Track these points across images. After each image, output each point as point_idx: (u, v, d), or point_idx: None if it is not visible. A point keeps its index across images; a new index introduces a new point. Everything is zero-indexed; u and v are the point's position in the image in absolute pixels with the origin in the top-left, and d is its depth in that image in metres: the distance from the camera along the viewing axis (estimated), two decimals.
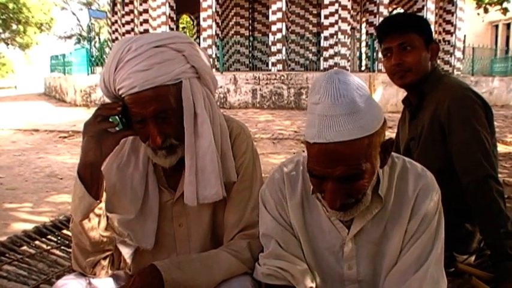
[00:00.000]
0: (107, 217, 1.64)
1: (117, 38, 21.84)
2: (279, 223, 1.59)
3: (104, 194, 1.61)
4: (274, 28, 17.39)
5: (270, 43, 17.63)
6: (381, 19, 2.50)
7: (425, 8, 18.90)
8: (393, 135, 2.77)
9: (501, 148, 8.76)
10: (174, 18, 20.09)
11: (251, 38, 21.50)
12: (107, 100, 1.62)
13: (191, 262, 1.57)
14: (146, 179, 1.69)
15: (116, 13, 22.61)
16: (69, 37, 50.06)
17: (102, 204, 1.60)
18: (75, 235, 1.63)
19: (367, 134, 1.30)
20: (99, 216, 1.60)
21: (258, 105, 16.34)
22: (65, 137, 11.14)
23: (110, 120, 1.52)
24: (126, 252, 1.71)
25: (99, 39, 26.51)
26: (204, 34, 18.37)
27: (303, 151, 1.83)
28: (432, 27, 18.26)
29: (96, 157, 1.52)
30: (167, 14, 19.04)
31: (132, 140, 1.69)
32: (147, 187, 1.69)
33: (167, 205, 1.72)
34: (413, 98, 2.48)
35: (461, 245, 2.37)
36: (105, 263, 1.69)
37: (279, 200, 1.60)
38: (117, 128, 1.55)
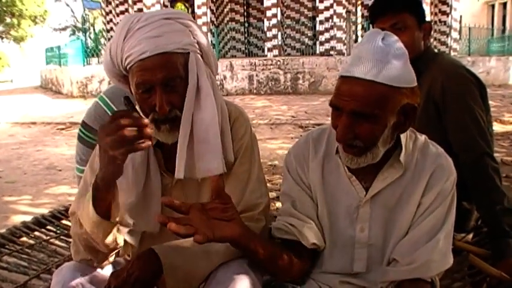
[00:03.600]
0: None
1: (111, 28, 21.76)
2: (297, 184, 1.70)
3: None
4: (269, 13, 17.34)
5: (265, 29, 17.59)
6: None
7: None
8: None
9: (499, 127, 8.76)
10: (169, 6, 19.98)
11: (246, 24, 21.43)
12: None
13: (189, 246, 1.57)
14: (147, 162, 1.69)
15: (110, 3, 22.49)
16: (64, 29, 49.85)
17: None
18: (87, 241, 1.59)
19: (386, 83, 1.40)
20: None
21: (254, 91, 16.30)
22: (63, 129, 11.12)
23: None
24: (132, 240, 1.71)
25: (94, 30, 26.35)
26: (199, 21, 18.26)
27: (301, 135, 1.86)
28: (428, 8, 18.23)
29: (118, 172, 1.47)
30: (161, 2, 18.97)
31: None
32: (148, 170, 1.69)
33: (167, 189, 1.72)
34: None
35: (459, 223, 2.37)
36: (112, 255, 1.68)
37: (300, 163, 1.71)
38: None
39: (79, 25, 37.79)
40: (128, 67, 1.56)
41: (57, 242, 2.67)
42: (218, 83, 16.35)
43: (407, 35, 2.32)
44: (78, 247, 1.66)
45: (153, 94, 1.53)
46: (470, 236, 2.46)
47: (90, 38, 22.12)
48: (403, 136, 1.58)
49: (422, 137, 1.66)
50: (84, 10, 25.42)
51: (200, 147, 1.61)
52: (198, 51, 1.63)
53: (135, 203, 1.66)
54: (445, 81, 2.28)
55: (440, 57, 2.44)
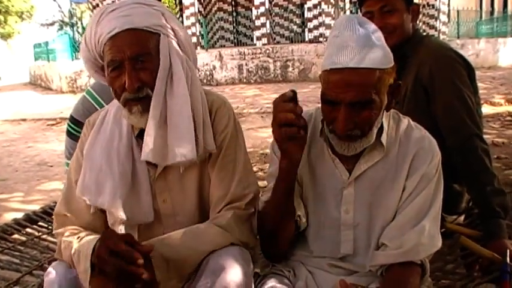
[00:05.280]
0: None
1: None
2: None
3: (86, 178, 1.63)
4: (257, 2, 17.25)
5: (253, 17, 17.52)
6: None
7: None
8: None
9: (489, 109, 8.80)
10: None
11: (234, 14, 21.35)
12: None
13: (177, 237, 1.57)
14: (132, 153, 1.68)
15: None
16: (52, 24, 49.25)
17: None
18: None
19: (379, 67, 1.44)
20: None
21: (244, 80, 16.27)
22: (53, 125, 11.09)
23: None
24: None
25: (82, 24, 26.17)
26: (187, 12, 18.18)
27: None
28: None
29: None
30: None
31: (115, 112, 1.70)
32: (133, 161, 1.68)
33: (150, 182, 1.71)
34: (396, 61, 2.47)
35: (450, 205, 2.38)
36: None
37: None
38: None
39: (66, 20, 37.51)
40: (101, 49, 1.58)
41: (49, 238, 2.66)
42: (208, 73, 16.36)
43: (396, 17, 2.31)
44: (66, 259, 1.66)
45: (122, 72, 1.54)
46: (462, 217, 2.47)
47: (78, 32, 21.95)
48: (385, 118, 1.59)
49: (405, 120, 1.67)
50: (71, 4, 25.23)
51: (173, 132, 1.60)
52: (173, 36, 1.64)
53: (125, 197, 1.65)
54: (433, 63, 2.27)
55: (427, 40, 2.43)
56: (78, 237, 1.62)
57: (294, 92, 1.49)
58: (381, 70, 1.45)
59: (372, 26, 1.50)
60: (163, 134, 1.60)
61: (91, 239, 1.56)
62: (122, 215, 1.65)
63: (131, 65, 1.54)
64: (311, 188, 1.68)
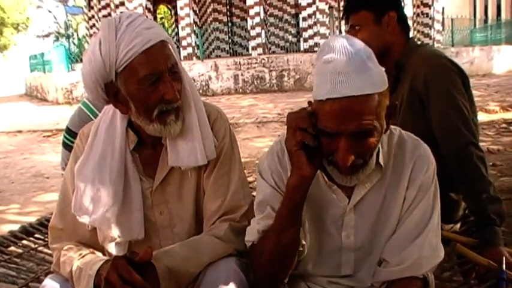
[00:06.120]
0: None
1: (95, 33, 21.64)
2: (275, 189, 1.57)
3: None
4: (252, 12, 17.33)
5: (249, 27, 17.60)
6: None
7: None
8: None
9: (484, 116, 8.83)
10: (151, 9, 19.93)
11: (230, 24, 21.42)
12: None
13: (178, 248, 1.57)
14: (126, 169, 1.67)
15: (92, 8, 22.37)
16: (47, 35, 49.37)
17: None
18: None
19: (377, 91, 1.32)
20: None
21: (240, 90, 16.32)
22: (49, 136, 11.06)
23: None
24: (120, 251, 1.68)
25: (78, 35, 26.24)
26: (182, 23, 18.25)
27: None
28: (410, 0, 18.24)
29: None
30: (144, 5, 18.86)
31: (106, 129, 1.68)
32: (127, 177, 1.67)
33: (146, 194, 1.71)
34: (390, 71, 2.48)
35: (447, 214, 2.37)
36: None
37: (276, 169, 1.59)
38: None
39: (62, 31, 37.55)
40: (125, 65, 1.49)
41: (45, 250, 2.63)
42: (204, 83, 16.41)
43: (361, 33, 2.31)
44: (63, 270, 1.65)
45: (160, 84, 1.51)
46: (458, 225, 2.47)
47: (73, 43, 21.99)
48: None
49: (396, 131, 1.59)
50: (67, 16, 25.27)
51: (198, 134, 1.64)
52: None
53: (116, 215, 1.64)
54: (428, 72, 2.27)
55: (421, 49, 2.44)
56: (80, 254, 1.61)
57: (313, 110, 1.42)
58: (379, 93, 1.33)
59: (364, 46, 1.38)
60: (189, 137, 1.63)
61: (94, 258, 1.56)
62: (112, 232, 1.65)
63: (169, 76, 1.53)
64: (310, 215, 1.57)
